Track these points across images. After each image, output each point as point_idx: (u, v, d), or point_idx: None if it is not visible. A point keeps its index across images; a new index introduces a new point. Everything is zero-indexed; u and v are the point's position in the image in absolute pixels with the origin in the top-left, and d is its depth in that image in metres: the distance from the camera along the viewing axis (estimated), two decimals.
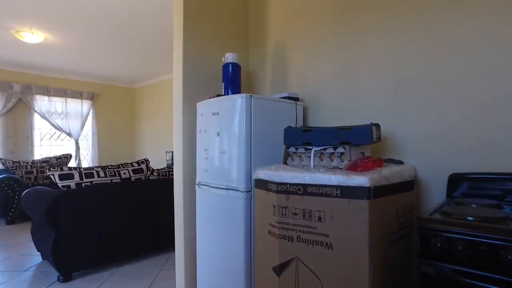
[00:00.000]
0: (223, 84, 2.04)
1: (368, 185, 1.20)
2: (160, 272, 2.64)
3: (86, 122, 5.99)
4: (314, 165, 1.50)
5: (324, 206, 1.28)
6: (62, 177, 2.56)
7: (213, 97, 1.93)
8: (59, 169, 2.59)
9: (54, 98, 5.58)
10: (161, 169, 3.25)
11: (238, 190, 1.70)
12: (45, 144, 5.62)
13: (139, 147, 6.70)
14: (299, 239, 1.35)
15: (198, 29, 2.20)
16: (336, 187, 1.26)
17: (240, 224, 1.68)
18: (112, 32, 3.76)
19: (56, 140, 5.75)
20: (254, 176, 1.53)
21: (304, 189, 1.33)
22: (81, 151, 5.93)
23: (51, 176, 2.56)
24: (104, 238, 2.63)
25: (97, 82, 6.16)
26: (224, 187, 1.77)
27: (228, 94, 2.01)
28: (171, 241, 3.02)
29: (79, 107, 5.86)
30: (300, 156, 1.56)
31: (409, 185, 1.45)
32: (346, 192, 1.24)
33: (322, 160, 1.49)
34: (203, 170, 1.92)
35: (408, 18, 1.71)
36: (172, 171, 3.24)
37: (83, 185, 2.62)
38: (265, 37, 2.45)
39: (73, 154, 5.79)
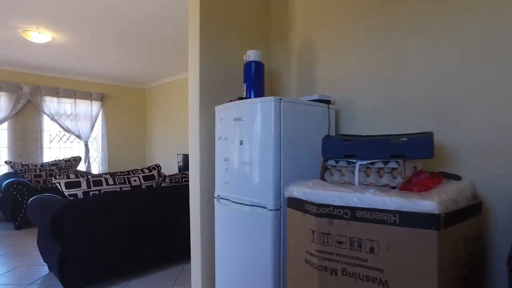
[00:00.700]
0: (244, 85, 1.82)
1: (436, 212, 0.96)
2: (174, 287, 2.44)
3: (96, 123, 5.85)
4: (358, 182, 1.26)
5: (378, 234, 1.05)
6: (68, 186, 2.38)
7: (234, 100, 1.71)
8: (65, 177, 2.41)
9: (63, 99, 5.45)
10: (174, 175, 3.04)
11: (265, 208, 1.48)
12: (55, 147, 5.49)
13: (150, 149, 6.54)
14: (345, 273, 1.11)
15: (216, 24, 1.98)
16: (394, 212, 1.02)
17: (267, 247, 1.46)
18: (121, 31, 3.59)
19: (65, 142, 5.62)
20: (286, 193, 1.31)
21: (351, 213, 1.09)
22: (91, 153, 5.79)
23: (57, 184, 2.37)
24: (113, 251, 2.44)
25: (106, 83, 6.02)
26: (248, 203, 1.55)
27: (250, 96, 1.79)
28: (183, 253, 2.82)
29: (88, 108, 5.73)
30: (340, 171, 1.33)
31: (477, 208, 1.20)
32: (408, 219, 1.00)
33: (368, 176, 1.25)
34: (223, 182, 1.70)
35: (462, 10, 1.45)
36: (185, 177, 3.04)
37: (90, 193, 2.44)
38: (289, 33, 2.22)
39: (83, 156, 5.65)
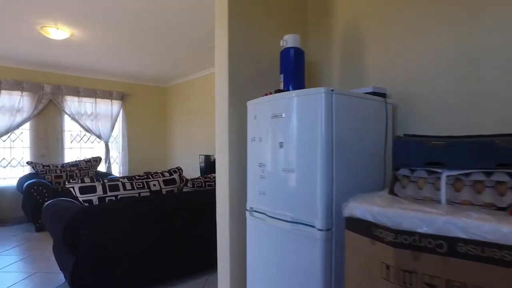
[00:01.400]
0: (281, 76, 1.52)
1: None
2: None
3: (116, 123, 5.73)
4: (446, 200, 0.94)
5: (493, 280, 0.73)
6: (83, 190, 2.17)
7: (269, 94, 1.42)
8: (79, 181, 2.20)
9: (84, 99, 5.36)
10: (196, 179, 2.80)
11: (312, 227, 1.18)
12: (75, 147, 5.41)
13: (170, 149, 6.37)
14: None
15: (245, 9, 1.69)
16: None
17: (314, 275, 1.16)
18: (141, 26, 3.39)
19: (86, 142, 5.53)
20: (345, 212, 1.01)
21: (449, 246, 0.78)
22: (111, 153, 5.68)
23: (71, 189, 2.17)
24: (130, 262, 2.21)
25: (127, 82, 5.89)
26: (290, 220, 1.26)
27: (288, 89, 1.49)
28: (206, 265, 2.56)
29: (109, 107, 5.61)
30: (416, 182, 1.01)
31: None
32: None
33: (458, 191, 0.93)
34: (258, 192, 1.42)
35: None
36: (209, 181, 2.78)
37: (106, 199, 2.22)
38: (330, 14, 1.91)
39: (103, 157, 5.54)
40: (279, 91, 1.38)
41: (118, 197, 2.26)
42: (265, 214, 1.38)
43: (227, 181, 1.56)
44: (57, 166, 4.69)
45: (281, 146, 1.29)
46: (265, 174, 1.37)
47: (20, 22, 3.27)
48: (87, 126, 5.37)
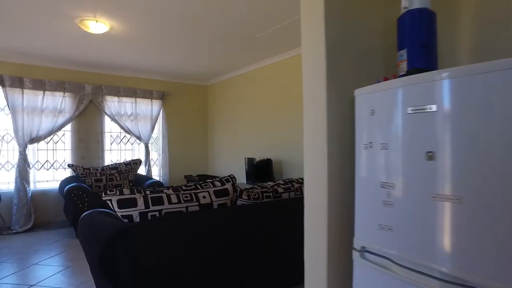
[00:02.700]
0: (403, 51, 1.01)
1: None
2: None
3: (156, 124, 5.49)
4: None
5: None
6: (121, 204, 1.80)
7: (392, 78, 0.91)
8: (117, 192, 1.83)
9: (124, 99, 5.16)
10: (251, 189, 2.35)
11: None
12: (115, 149, 5.23)
13: (212, 150, 6.03)
14: None
15: None
16: None
17: None
18: (182, 17, 3.02)
19: (125, 144, 5.34)
20: None
21: None
22: (151, 156, 5.45)
23: (108, 202, 1.81)
24: None
25: (167, 80, 5.63)
26: (445, 278, 0.75)
27: (421, 68, 0.98)
28: None
29: (149, 107, 5.38)
30: None
31: None
32: None
33: None
34: (377, 226, 0.92)
35: None
36: (266, 191, 2.33)
37: (149, 215, 1.83)
38: None
39: (143, 159, 5.32)
40: (417, 71, 0.87)
41: (162, 212, 1.87)
42: (392, 261, 0.88)
43: (325, 205, 1.06)
44: (97, 169, 4.49)
45: (430, 158, 0.78)
46: (392, 199, 0.87)
47: (60, 17, 3.04)
48: (127, 127, 5.17)
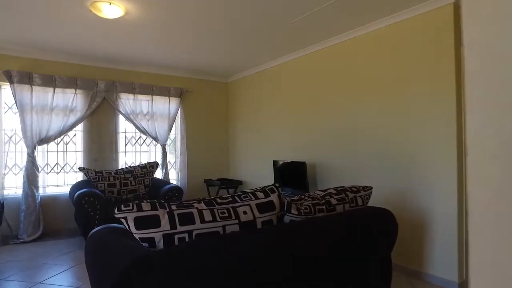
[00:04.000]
0: None
1: None
2: None
3: (174, 124, 5.08)
4: None
5: None
6: (140, 224, 1.34)
7: None
8: (135, 208, 1.38)
9: (140, 96, 4.77)
10: (298, 200, 1.87)
11: None
12: (130, 150, 4.84)
13: (234, 152, 5.58)
14: None
15: None
16: None
17: None
18: (205, 2, 2.58)
19: (141, 145, 4.94)
20: None
21: None
22: (169, 158, 5.03)
23: (123, 221, 1.36)
24: None
25: (185, 76, 5.22)
26: None
27: None
28: None
29: (166, 106, 4.97)
30: None
31: None
32: None
33: None
34: None
35: None
36: (318, 203, 1.83)
37: (176, 238, 1.37)
38: None
39: (160, 162, 4.91)
40: None
41: (193, 233, 1.41)
42: None
43: None
44: (110, 173, 4.10)
45: None
46: None
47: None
48: (143, 127, 4.77)
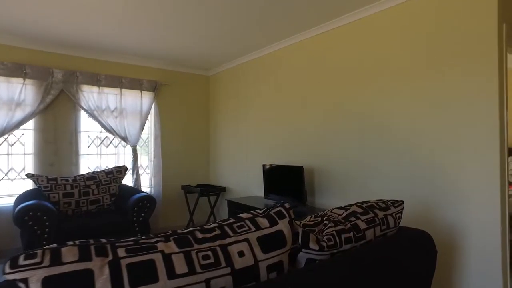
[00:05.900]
0: None
1: None
2: None
3: (147, 122, 4.41)
4: None
5: None
6: None
7: None
8: (47, 259, 0.76)
9: (106, 89, 4.07)
10: (312, 225, 1.31)
11: None
12: (94, 153, 4.13)
13: (214, 156, 4.96)
14: None
15: None
16: None
17: None
18: None
19: (107, 147, 4.24)
20: None
21: None
22: (140, 161, 4.36)
23: (21, 286, 0.74)
24: None
25: (160, 68, 4.56)
26: None
27: None
28: None
29: (137, 101, 4.30)
30: None
31: None
32: None
33: None
34: None
35: None
36: (343, 229, 1.28)
37: None
38: None
39: (129, 166, 4.23)
40: None
41: None
42: None
43: None
44: (67, 180, 3.40)
45: None
46: None
47: None
48: (110, 126, 4.08)
